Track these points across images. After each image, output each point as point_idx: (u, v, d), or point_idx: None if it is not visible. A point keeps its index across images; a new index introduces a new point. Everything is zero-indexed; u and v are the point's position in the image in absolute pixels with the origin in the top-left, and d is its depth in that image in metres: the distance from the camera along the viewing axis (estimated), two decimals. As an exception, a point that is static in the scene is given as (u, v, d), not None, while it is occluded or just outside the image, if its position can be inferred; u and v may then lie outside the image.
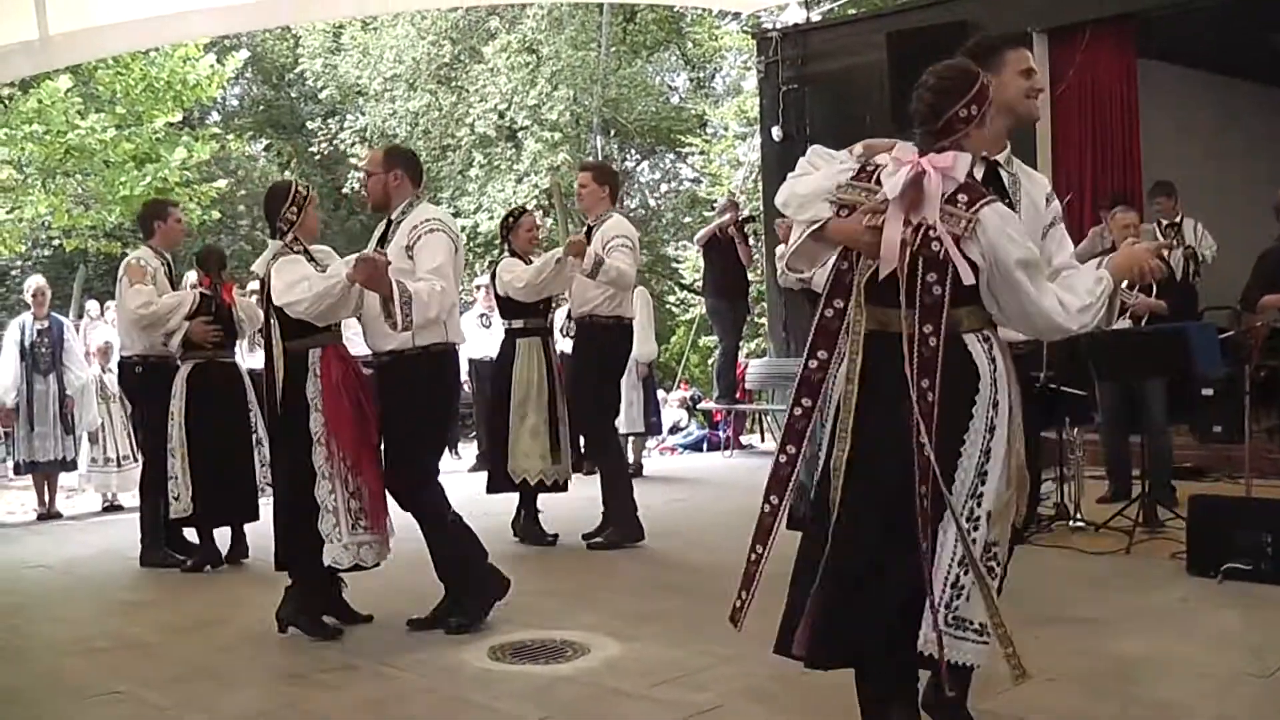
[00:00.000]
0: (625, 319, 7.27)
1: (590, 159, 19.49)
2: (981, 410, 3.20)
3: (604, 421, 7.43)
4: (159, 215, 7.51)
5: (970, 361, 3.22)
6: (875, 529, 3.19)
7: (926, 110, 3.27)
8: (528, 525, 7.50)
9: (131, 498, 10.48)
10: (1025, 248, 3.16)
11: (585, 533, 7.24)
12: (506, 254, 7.53)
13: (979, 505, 3.18)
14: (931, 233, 3.14)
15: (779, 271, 3.57)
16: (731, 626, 3.36)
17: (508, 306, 7.46)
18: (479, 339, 12.16)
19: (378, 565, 5.40)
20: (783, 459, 3.36)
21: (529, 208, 8.94)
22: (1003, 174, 3.61)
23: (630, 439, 10.97)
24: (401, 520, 5.39)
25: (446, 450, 13.40)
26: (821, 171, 3.42)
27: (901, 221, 3.18)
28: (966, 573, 3.13)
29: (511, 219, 7.61)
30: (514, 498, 7.50)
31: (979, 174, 3.46)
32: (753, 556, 3.37)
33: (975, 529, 3.16)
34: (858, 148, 3.46)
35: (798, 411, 3.34)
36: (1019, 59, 3.64)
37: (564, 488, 7.45)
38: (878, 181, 3.27)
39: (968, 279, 3.13)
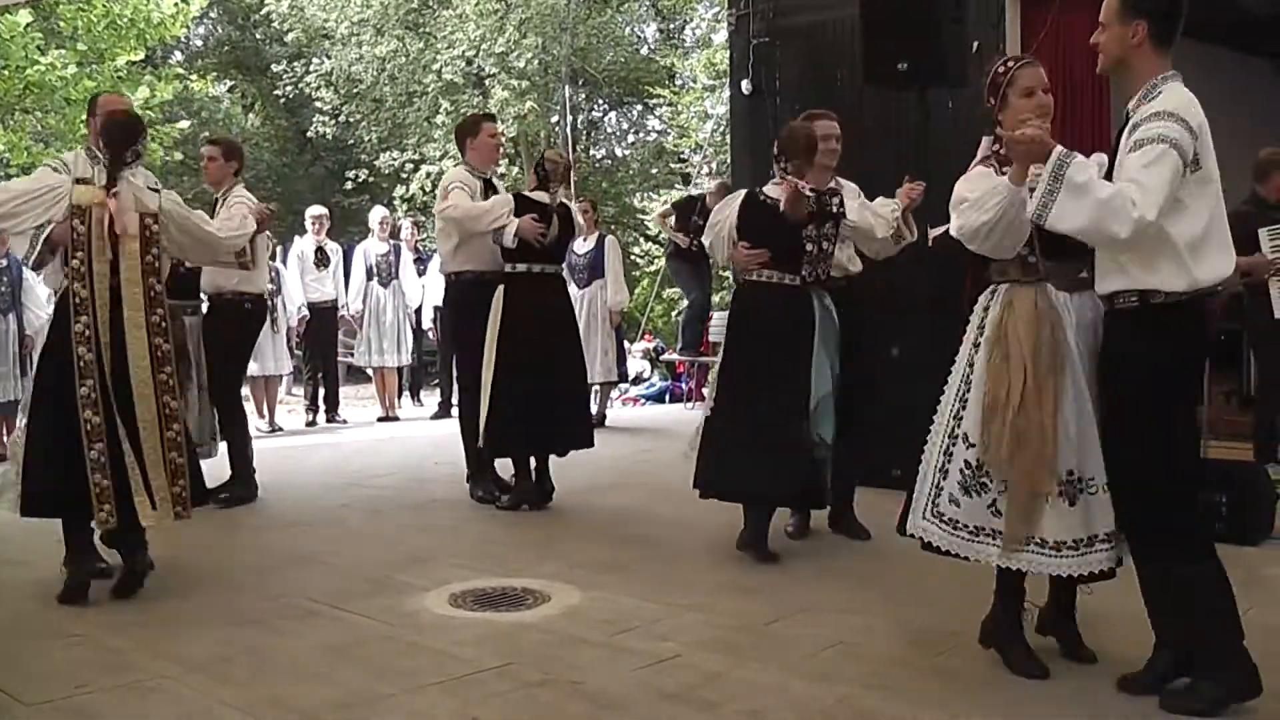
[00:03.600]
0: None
1: (559, 108, 19.30)
2: (965, 347, 3.90)
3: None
4: (470, 132, 7.21)
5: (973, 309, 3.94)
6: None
7: None
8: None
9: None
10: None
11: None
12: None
13: (959, 425, 3.82)
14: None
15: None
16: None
17: None
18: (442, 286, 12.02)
19: None
20: None
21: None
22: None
23: (597, 388, 10.92)
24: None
25: (410, 397, 13.46)
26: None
27: None
28: (946, 477, 3.79)
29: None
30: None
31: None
32: None
33: (954, 444, 3.80)
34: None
35: None
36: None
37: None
38: None
39: None
